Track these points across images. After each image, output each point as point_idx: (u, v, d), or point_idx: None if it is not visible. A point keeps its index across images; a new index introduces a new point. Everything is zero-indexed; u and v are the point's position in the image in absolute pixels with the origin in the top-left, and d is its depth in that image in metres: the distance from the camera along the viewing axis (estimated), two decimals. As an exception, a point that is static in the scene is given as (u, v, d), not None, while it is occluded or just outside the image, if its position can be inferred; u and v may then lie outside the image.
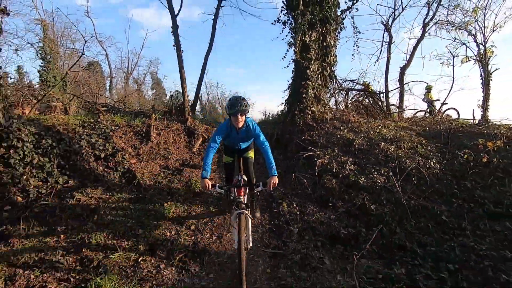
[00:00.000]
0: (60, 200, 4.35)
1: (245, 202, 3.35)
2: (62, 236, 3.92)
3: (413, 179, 5.35)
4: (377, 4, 23.96)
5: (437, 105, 11.12)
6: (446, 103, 10.61)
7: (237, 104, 3.19)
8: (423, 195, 5.03)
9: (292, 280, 3.52)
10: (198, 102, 19.21)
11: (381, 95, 10.12)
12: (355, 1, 7.81)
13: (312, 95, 7.11)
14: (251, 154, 4.06)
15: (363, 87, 10.19)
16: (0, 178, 4.27)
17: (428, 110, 11.15)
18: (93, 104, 7.50)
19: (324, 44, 7.16)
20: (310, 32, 6.69)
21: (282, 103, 7.95)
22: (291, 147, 6.65)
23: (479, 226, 4.40)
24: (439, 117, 8.79)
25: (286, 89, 7.88)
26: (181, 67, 7.45)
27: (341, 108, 9.39)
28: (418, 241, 4.14)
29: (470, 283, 3.32)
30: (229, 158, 4.10)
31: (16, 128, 4.65)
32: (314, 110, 7.19)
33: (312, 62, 6.86)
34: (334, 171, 5.50)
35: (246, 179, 4.00)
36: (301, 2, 6.45)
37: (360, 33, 8.05)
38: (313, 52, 6.86)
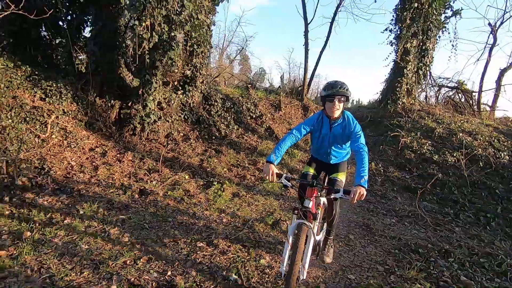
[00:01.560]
0: (238, 139, 7.49)
1: (314, 211, 2.40)
2: (242, 155, 6.96)
3: (480, 163, 6.88)
4: (488, 6, 21.70)
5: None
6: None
7: (336, 86, 2.44)
8: (485, 175, 6.59)
9: (375, 205, 5.83)
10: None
11: (474, 94, 10.85)
12: (461, 9, 8.90)
13: (405, 89, 8.80)
14: (341, 176, 2.83)
15: (456, 85, 11.07)
16: (207, 122, 7.58)
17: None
18: (245, 82, 10.77)
19: (423, 47, 8.64)
20: (412, 40, 8.29)
21: (377, 93, 9.79)
22: (381, 127, 8.61)
23: (525, 201, 5.90)
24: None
25: (383, 82, 9.67)
26: (306, 61, 10.07)
27: (430, 102, 10.65)
28: (469, 200, 5.94)
29: (498, 225, 5.15)
30: (311, 170, 2.89)
31: (213, 93, 7.91)
32: (405, 101, 8.90)
33: (410, 63, 8.50)
34: (414, 148, 7.40)
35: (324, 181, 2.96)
36: (409, 17, 8.05)
37: (458, 38, 9.13)
38: (412, 55, 8.47)
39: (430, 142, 7.59)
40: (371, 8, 33.50)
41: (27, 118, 5.79)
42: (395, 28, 8.54)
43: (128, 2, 4.56)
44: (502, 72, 10.94)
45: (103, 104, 7.00)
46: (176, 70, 7.21)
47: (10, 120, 5.41)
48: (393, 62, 8.96)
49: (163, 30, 5.27)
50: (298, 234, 2.11)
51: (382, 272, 3.25)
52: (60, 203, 4.06)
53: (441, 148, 7.34)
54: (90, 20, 7.11)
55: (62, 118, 6.26)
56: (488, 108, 10.98)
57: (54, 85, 6.47)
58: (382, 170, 6.91)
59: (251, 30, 46.66)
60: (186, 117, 7.47)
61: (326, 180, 2.95)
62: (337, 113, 2.54)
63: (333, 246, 3.18)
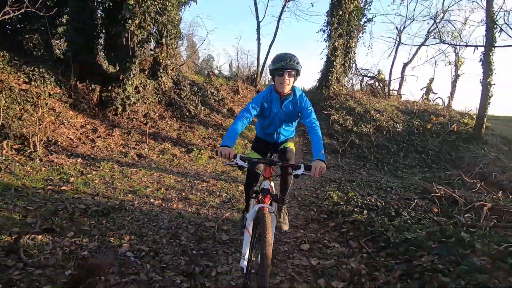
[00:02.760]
0: (205, 118, 9.00)
1: (274, 192, 2.30)
2: (211, 130, 8.53)
3: (383, 131, 9.58)
4: (396, 13, 27.04)
5: (432, 95, 14.82)
6: (437, 93, 14.34)
7: (285, 58, 2.19)
8: (385, 139, 9.29)
9: (298, 157, 8.00)
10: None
11: (386, 82, 13.94)
12: (374, 16, 11.55)
13: (335, 78, 11.21)
14: (290, 145, 2.68)
15: (374, 75, 14.03)
16: (178, 104, 8.93)
17: (426, 97, 14.90)
18: (208, 70, 12.08)
19: (348, 45, 11.09)
20: (339, 40, 10.62)
21: (315, 80, 12.09)
22: (317, 108, 10.92)
23: (408, 155, 8.68)
24: (421, 101, 12.69)
25: (319, 72, 12.01)
26: (258, 53, 11.87)
27: (355, 88, 13.42)
28: (374, 156, 8.49)
29: (389, 170, 7.72)
30: (258, 156, 2.60)
31: (182, 79, 9.25)
32: (335, 87, 11.33)
33: (338, 57, 10.87)
34: (340, 122, 9.82)
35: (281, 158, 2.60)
36: (336, 21, 10.31)
37: (374, 38, 11.81)
38: (339, 51, 10.83)
39: (351, 118, 10.10)
40: (310, 11, 37.97)
41: (18, 100, 6.56)
42: (327, 29, 10.77)
43: (127, 8, 5.69)
44: (404, 65, 14.24)
45: (85, 88, 7.89)
46: (150, 59, 8.39)
47: (3, 101, 6.14)
48: (326, 56, 11.28)
49: (149, 27, 6.50)
50: (263, 221, 1.76)
51: (313, 189, 5.32)
52: (79, 163, 5.26)
53: (359, 122, 9.89)
54: (67, 11, 7.80)
55: (49, 99, 7.08)
56: (395, 93, 14.22)
57: (37, 70, 7.19)
58: (317, 139, 9.18)
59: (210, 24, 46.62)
60: (160, 99, 8.74)
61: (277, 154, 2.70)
62: (287, 89, 2.28)
63: (287, 213, 2.96)
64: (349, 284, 2.39)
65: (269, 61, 17.41)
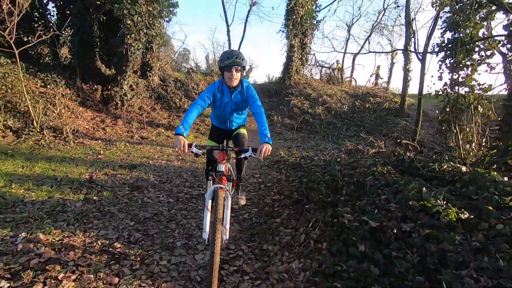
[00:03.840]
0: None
1: (226, 173, 2.40)
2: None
3: (332, 112, 12.04)
4: (346, 11, 30.06)
5: (380, 80, 17.53)
6: (382, 78, 17.06)
7: (232, 56, 2.45)
8: (333, 117, 11.75)
9: (276, 137, 10.28)
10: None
11: (344, 71, 16.49)
12: (324, 17, 13.85)
13: (295, 70, 13.51)
14: (243, 130, 2.99)
15: (330, 65, 16.49)
16: (166, 97, 10.91)
17: (376, 82, 17.60)
18: (188, 68, 14.00)
19: (303, 42, 13.38)
20: (295, 38, 12.87)
21: (279, 72, 14.34)
22: (281, 95, 13.21)
23: (350, 128, 11.20)
24: (370, 85, 15.32)
25: (282, 65, 14.28)
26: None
27: (315, 78, 15.82)
28: (323, 130, 10.93)
29: (332, 140, 10.19)
30: (214, 144, 2.84)
31: (167, 77, 11.21)
32: (295, 78, 13.66)
33: (295, 53, 13.15)
34: (298, 106, 12.18)
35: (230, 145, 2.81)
36: (291, 24, 12.52)
37: (327, 35, 14.17)
38: (296, 48, 13.10)
39: (308, 102, 12.48)
40: (272, 13, 42.60)
41: (40, 100, 8.35)
42: (285, 30, 12.96)
43: (128, 24, 7.62)
44: (354, 56, 16.78)
45: (89, 88, 9.73)
46: (140, 62, 10.28)
47: (30, 101, 7.93)
48: (286, 53, 13.55)
49: (142, 39, 8.43)
50: (216, 199, 2.07)
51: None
52: (101, 143, 7.24)
53: (313, 105, 12.28)
54: (71, 25, 9.52)
55: (63, 99, 8.89)
56: (347, 80, 16.82)
57: (49, 75, 8.97)
58: (280, 120, 11.49)
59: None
60: (150, 95, 10.69)
61: (230, 143, 3.02)
62: (235, 82, 2.54)
63: (244, 190, 3.29)
64: (275, 183, 4.71)
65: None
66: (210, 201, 2.18)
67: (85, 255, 2.42)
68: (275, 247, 2.80)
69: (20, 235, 2.58)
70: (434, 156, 4.65)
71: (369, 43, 18.94)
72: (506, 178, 2.76)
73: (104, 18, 9.35)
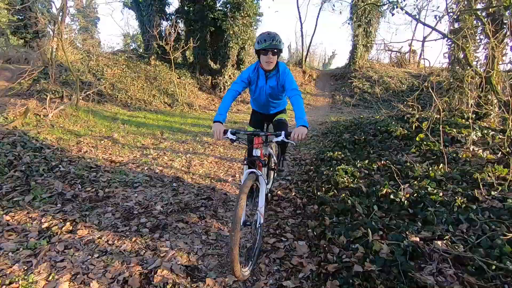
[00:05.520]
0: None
1: (262, 158, 2.43)
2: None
3: (390, 91, 13.92)
4: None
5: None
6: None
7: (269, 39, 2.34)
8: (390, 96, 13.64)
9: (334, 110, 13.02)
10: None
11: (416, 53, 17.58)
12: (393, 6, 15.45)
13: (359, 55, 15.63)
14: (285, 116, 2.96)
15: (399, 49, 17.71)
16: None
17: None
18: None
19: (368, 31, 15.33)
20: (359, 28, 14.96)
21: (347, 59, 16.65)
22: (346, 78, 15.59)
23: (404, 103, 13.06)
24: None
25: (350, 51, 16.55)
26: (302, 45, 16.95)
27: (381, 61, 17.44)
28: (378, 106, 13.08)
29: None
30: (251, 129, 2.93)
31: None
32: (359, 62, 15.79)
33: (359, 41, 15.27)
34: (359, 86, 14.48)
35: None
36: (355, 16, 14.66)
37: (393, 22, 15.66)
38: (360, 36, 15.19)
39: (368, 83, 14.57)
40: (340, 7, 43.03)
41: (177, 86, 13.24)
42: (350, 22, 15.13)
43: (230, 33, 11.71)
44: (424, 38, 17.34)
45: (203, 78, 14.41)
46: (236, 58, 14.43)
47: (174, 87, 12.81)
48: (351, 41, 15.77)
49: (239, 43, 12.42)
50: (247, 182, 2.10)
51: (321, 122, 10.61)
52: (213, 113, 11.54)
53: (373, 85, 14.33)
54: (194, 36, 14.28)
55: (190, 86, 13.70)
56: (417, 61, 17.66)
57: (182, 71, 13.85)
58: (341, 99, 14.07)
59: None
60: (242, 81, 14.79)
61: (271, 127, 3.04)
62: (271, 66, 2.46)
63: (284, 163, 3.36)
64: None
65: (312, 48, 21.83)
66: (244, 185, 2.09)
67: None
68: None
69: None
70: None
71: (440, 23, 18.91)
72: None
73: (213, 29, 13.69)
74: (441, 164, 3.92)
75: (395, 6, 5.09)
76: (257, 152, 2.39)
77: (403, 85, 14.08)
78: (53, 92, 8.81)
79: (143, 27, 13.82)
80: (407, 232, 2.51)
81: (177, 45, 12.27)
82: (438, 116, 4.76)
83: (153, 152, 5.33)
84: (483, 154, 4.21)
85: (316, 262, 2.31)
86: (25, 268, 2.05)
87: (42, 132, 5.57)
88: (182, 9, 13.83)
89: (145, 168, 4.50)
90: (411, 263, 2.15)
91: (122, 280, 2.00)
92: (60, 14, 9.32)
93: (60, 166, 4.17)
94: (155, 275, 2.05)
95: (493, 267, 2.04)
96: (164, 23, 13.81)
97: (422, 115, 6.66)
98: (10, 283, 1.90)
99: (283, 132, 2.22)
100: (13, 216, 2.76)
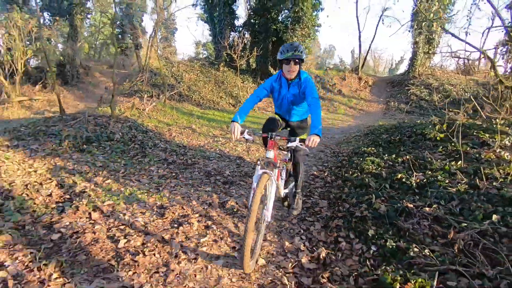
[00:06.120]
0: (322, 96, 15.56)
1: (275, 160, 2.49)
2: (326, 102, 15.02)
3: (451, 99, 13.48)
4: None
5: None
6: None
7: (291, 49, 2.46)
8: (450, 104, 13.23)
9: (388, 116, 13.20)
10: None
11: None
12: (455, 13, 14.87)
13: (419, 62, 15.35)
14: (303, 123, 3.01)
15: (468, 55, 16.71)
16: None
17: None
18: (326, 67, 18.81)
19: (429, 39, 14.99)
20: (419, 36, 14.74)
21: (406, 66, 16.42)
22: (402, 85, 15.46)
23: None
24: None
25: (409, 59, 16.31)
26: (360, 52, 17.44)
27: (446, 68, 16.73)
28: (434, 113, 12.86)
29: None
30: (276, 116, 3.05)
31: (309, 73, 16.15)
32: (419, 69, 15.50)
33: (419, 48, 15.03)
34: (417, 94, 14.31)
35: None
36: (415, 24, 14.50)
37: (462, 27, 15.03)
38: (421, 44, 14.93)
39: (427, 90, 14.27)
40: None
41: (241, 89, 14.93)
42: (411, 30, 14.99)
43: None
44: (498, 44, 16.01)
45: (262, 82, 15.94)
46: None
47: (238, 91, 14.52)
48: (411, 49, 15.58)
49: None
50: (259, 182, 2.16)
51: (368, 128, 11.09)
52: (271, 113, 12.86)
53: (431, 92, 14.00)
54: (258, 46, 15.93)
55: (251, 89, 15.30)
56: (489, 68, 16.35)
57: (245, 77, 15.56)
58: (396, 105, 14.11)
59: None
60: (298, 86, 15.89)
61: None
62: (293, 75, 2.56)
63: (301, 199, 3.25)
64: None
65: (378, 52, 21.70)
66: (255, 184, 2.17)
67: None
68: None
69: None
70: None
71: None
72: None
73: (275, 39, 15.12)
74: (460, 161, 4.50)
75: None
76: (270, 154, 2.44)
77: (467, 93, 13.47)
78: (146, 92, 11.16)
79: (215, 38, 15.96)
80: (404, 200, 3.38)
81: (242, 54, 13.99)
82: (464, 121, 5.24)
83: (222, 139, 6.85)
84: (506, 157, 4.59)
85: (331, 212, 3.37)
86: (156, 192, 3.57)
87: (144, 120, 7.55)
88: (249, 21, 15.58)
89: (217, 149, 5.99)
90: (400, 217, 3.06)
91: (208, 203, 3.36)
92: (154, 29, 11.69)
93: (160, 144, 5.90)
94: (226, 203, 3.38)
95: (463, 224, 2.83)
96: (233, 34, 15.73)
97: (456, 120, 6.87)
98: (151, 196, 3.42)
99: (297, 138, 2.28)
100: (142, 167, 4.42)
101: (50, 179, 3.46)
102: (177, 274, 2.07)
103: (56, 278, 1.86)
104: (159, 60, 10.87)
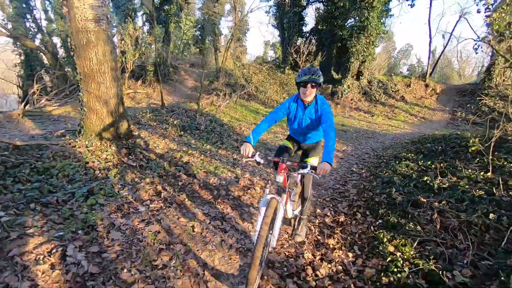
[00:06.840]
0: (384, 101, 15.62)
1: (285, 184, 2.47)
2: (386, 108, 15.09)
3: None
4: None
5: None
6: None
7: (309, 73, 2.49)
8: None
9: (454, 125, 12.80)
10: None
11: None
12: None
13: (497, 72, 14.23)
14: (312, 160, 2.89)
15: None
16: (369, 93, 16.07)
17: None
18: (391, 72, 18.64)
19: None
20: (500, 44, 13.64)
21: (477, 75, 15.24)
22: (474, 95, 14.51)
23: None
24: None
25: (486, 72, 15.17)
26: (429, 58, 16.76)
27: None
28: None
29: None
30: (288, 143, 3.03)
31: (372, 79, 16.26)
32: (497, 79, 14.35)
33: (498, 58, 13.90)
34: (490, 105, 13.40)
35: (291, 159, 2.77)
36: (495, 32, 13.45)
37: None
38: (501, 52, 13.81)
39: (503, 102, 13.22)
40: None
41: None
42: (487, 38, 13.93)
43: (353, 51, 13.65)
44: None
45: (324, 86, 16.69)
46: (356, 71, 16.04)
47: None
48: (489, 57, 14.46)
49: (360, 58, 14.10)
50: (267, 207, 2.20)
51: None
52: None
53: (508, 105, 12.94)
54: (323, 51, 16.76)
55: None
56: None
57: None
58: (463, 115, 13.45)
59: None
60: (359, 91, 16.23)
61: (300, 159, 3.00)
62: (310, 98, 2.58)
63: (306, 226, 3.26)
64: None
65: (440, 62, 20.41)
66: (264, 208, 2.23)
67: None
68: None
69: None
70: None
71: None
72: None
73: (340, 45, 15.74)
74: (489, 173, 4.99)
75: None
76: (280, 178, 2.40)
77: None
78: (220, 90, 13.12)
79: (283, 43, 17.30)
80: (419, 196, 4.24)
81: (307, 58, 15.04)
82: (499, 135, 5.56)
83: (280, 136, 8.21)
84: (539, 172, 4.85)
85: (357, 197, 4.44)
86: (232, 168, 5.11)
87: (220, 115, 9.35)
88: (316, 28, 16.49)
89: (276, 144, 7.37)
90: (411, 207, 3.99)
91: (267, 180, 4.75)
92: (231, 34, 13.54)
93: (233, 135, 7.54)
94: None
95: (461, 217, 3.64)
96: (300, 40, 16.85)
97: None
98: (229, 170, 4.97)
99: (309, 165, 2.24)
100: (222, 151, 6.05)
101: (167, 152, 5.29)
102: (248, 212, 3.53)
103: (187, 200, 3.47)
104: (235, 63, 12.71)
